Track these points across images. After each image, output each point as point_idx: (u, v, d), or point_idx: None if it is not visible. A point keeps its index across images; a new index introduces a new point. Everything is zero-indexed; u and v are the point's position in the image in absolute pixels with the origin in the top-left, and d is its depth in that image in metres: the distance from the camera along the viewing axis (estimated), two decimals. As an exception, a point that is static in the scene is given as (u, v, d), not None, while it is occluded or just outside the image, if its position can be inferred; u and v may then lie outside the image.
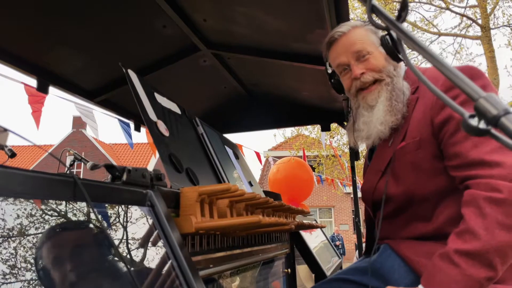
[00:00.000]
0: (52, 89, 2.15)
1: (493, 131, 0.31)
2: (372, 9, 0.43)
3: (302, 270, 2.30)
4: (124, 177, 0.64)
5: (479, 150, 0.95)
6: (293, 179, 5.60)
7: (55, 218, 0.54)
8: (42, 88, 2.07)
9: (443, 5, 10.13)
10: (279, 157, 7.42)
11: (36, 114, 2.24)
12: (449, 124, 1.01)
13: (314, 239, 2.83)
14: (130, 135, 2.91)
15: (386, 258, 1.14)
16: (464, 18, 10.08)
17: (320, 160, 12.30)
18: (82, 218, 0.58)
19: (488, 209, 0.87)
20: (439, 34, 10.52)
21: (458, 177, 0.99)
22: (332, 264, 2.89)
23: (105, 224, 0.62)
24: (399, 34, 0.39)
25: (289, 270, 1.83)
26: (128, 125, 3.01)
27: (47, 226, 0.52)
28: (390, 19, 0.40)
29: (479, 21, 9.67)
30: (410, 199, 1.10)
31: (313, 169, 11.15)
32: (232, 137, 3.70)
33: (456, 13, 10.15)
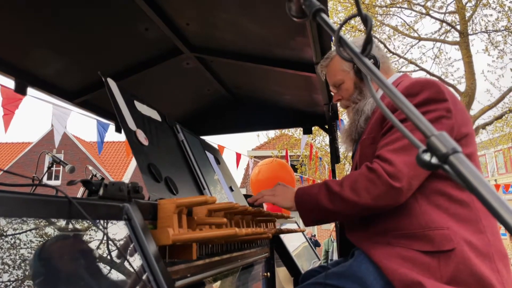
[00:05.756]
0: (30, 90, 2.10)
1: (446, 166, 0.34)
2: (340, 41, 0.45)
3: (282, 272, 2.33)
4: (101, 191, 0.65)
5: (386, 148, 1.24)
6: (274, 180, 5.62)
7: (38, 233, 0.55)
8: (20, 90, 2.02)
9: (424, 10, 10.36)
10: (263, 157, 7.45)
11: (7, 118, 2.17)
12: (387, 125, 1.27)
13: (294, 242, 2.87)
14: (102, 139, 2.87)
15: (361, 262, 1.25)
16: (444, 24, 10.33)
17: (302, 161, 12.38)
18: (60, 233, 0.59)
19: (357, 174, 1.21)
20: (419, 39, 10.76)
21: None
22: (311, 266, 2.93)
23: (82, 238, 0.63)
24: (362, 67, 0.42)
25: (268, 273, 1.85)
26: (107, 127, 2.97)
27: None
28: (355, 52, 0.43)
29: (458, 27, 9.93)
30: None
31: (295, 169, 11.20)
32: (215, 137, 3.70)
33: (436, 18, 10.40)
